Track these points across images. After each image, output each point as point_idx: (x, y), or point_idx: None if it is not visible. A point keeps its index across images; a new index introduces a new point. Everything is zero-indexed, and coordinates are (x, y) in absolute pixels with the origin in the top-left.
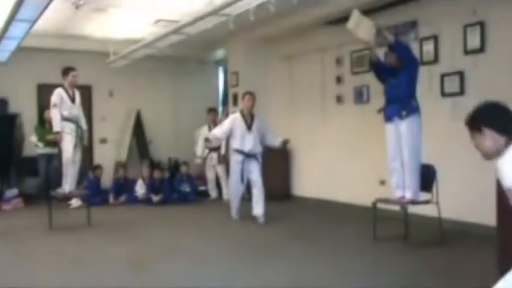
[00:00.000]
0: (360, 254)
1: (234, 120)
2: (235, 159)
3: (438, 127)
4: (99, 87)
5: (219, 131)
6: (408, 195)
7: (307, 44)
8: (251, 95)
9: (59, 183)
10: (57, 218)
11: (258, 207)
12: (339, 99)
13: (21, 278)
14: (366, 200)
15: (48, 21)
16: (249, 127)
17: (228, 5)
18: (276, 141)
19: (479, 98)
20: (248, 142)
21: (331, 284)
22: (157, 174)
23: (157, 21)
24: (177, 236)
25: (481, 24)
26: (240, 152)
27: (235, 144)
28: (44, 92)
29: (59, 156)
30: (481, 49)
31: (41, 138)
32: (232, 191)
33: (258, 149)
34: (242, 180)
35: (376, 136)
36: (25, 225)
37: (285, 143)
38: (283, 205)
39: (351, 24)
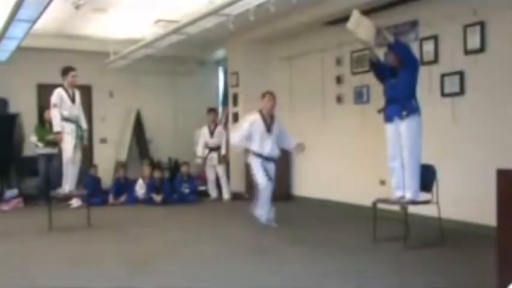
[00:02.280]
0: (360, 254)
1: (253, 122)
2: (256, 160)
3: (438, 127)
4: (99, 87)
5: (239, 138)
6: (408, 195)
7: (307, 44)
8: (271, 95)
9: (59, 183)
10: (57, 218)
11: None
12: (339, 99)
13: (21, 278)
14: (366, 200)
15: (48, 21)
16: (269, 129)
17: (228, 5)
18: (291, 145)
19: (479, 98)
20: (267, 145)
21: (331, 284)
22: (157, 174)
23: (157, 21)
24: (177, 236)
25: (481, 24)
26: (259, 155)
27: (253, 147)
28: (44, 92)
29: (59, 156)
30: (481, 49)
31: (41, 138)
32: (262, 192)
33: (276, 153)
34: (268, 177)
35: (376, 136)
36: (25, 226)
37: (301, 147)
38: (283, 205)
39: (350, 24)
